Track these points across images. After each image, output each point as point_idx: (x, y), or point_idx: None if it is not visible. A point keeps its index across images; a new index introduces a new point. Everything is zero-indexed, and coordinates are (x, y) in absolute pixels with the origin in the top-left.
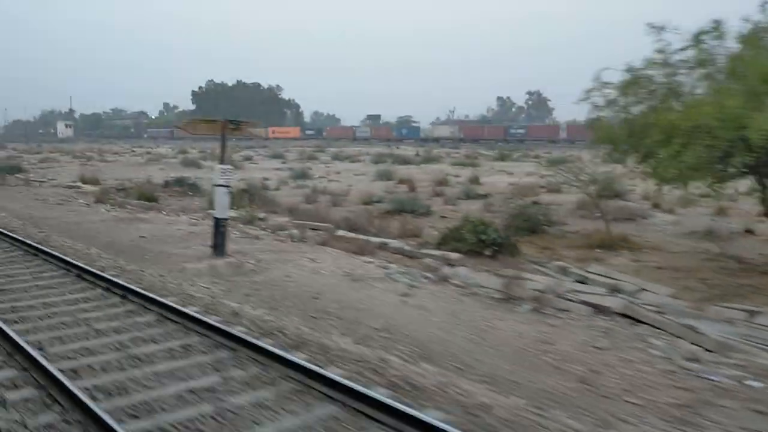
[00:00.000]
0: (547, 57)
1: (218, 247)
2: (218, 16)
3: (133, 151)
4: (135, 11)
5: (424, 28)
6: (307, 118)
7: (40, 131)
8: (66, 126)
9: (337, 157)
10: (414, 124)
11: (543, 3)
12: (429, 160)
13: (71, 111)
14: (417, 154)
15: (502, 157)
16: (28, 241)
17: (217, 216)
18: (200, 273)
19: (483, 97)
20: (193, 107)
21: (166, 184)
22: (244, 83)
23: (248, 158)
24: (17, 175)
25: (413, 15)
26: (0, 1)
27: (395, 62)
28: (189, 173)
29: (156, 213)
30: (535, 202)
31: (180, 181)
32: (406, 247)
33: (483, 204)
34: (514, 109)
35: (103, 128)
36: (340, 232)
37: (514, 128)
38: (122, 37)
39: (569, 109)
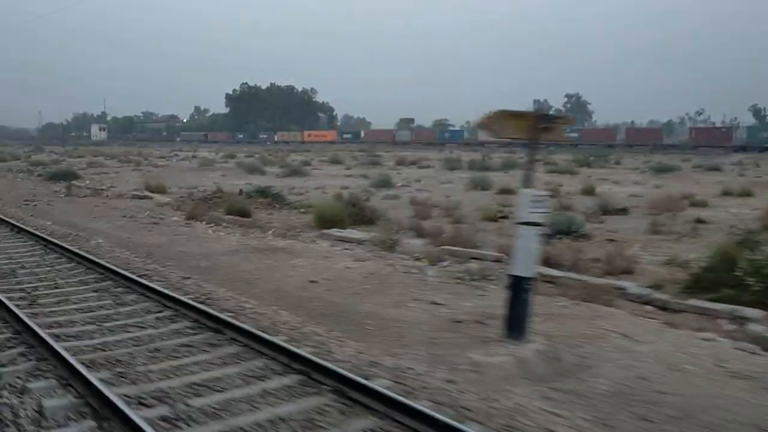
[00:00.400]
0: (581, 59)
1: (517, 323)
2: (253, 15)
3: (176, 154)
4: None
5: (451, 30)
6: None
7: (73, 134)
8: (100, 129)
9: (401, 163)
10: (450, 128)
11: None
12: (510, 166)
13: (104, 114)
14: (486, 159)
15: (587, 164)
16: (187, 300)
17: (519, 273)
18: (510, 377)
19: (519, 100)
20: (226, 110)
21: (248, 195)
22: (278, 86)
23: (306, 163)
24: (74, 182)
25: (439, 15)
26: (32, 6)
27: (424, 65)
28: (258, 180)
29: (292, 240)
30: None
31: (263, 191)
32: (657, 295)
33: (649, 223)
34: (551, 112)
35: (134, 131)
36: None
37: (567, 132)
38: (152, 40)
39: (609, 112)
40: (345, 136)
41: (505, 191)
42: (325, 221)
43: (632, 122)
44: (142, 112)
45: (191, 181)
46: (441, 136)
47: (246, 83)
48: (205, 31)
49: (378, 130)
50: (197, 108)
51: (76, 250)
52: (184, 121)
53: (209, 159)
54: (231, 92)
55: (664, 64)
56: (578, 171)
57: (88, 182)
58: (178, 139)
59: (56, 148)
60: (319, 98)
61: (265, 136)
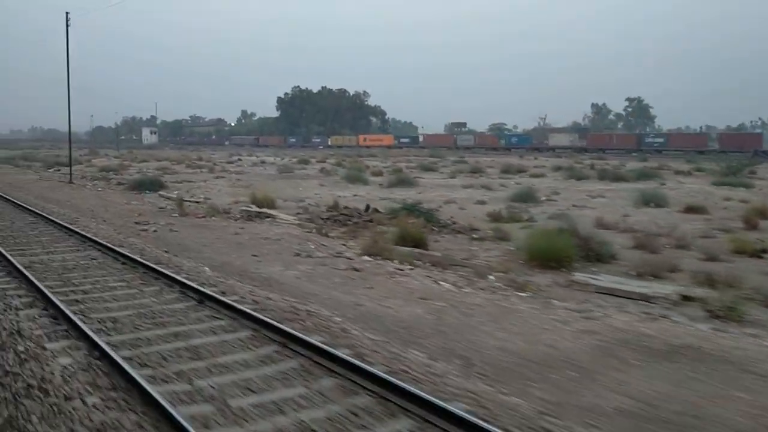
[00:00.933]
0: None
1: None
2: (309, 13)
3: (239, 158)
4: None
5: (503, 34)
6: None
7: (123, 137)
8: (151, 132)
9: (507, 171)
10: (507, 132)
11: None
12: (646, 175)
13: (153, 118)
14: (593, 167)
15: (735, 173)
16: None
17: None
18: None
19: (576, 105)
20: (276, 114)
21: (392, 214)
22: (330, 89)
23: (398, 170)
24: (162, 193)
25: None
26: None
27: (472, 70)
28: (361, 191)
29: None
30: None
31: (411, 209)
32: None
33: None
34: (611, 116)
35: (182, 134)
36: None
37: (650, 137)
38: (199, 43)
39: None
40: (402, 140)
41: (693, 209)
42: (542, 258)
43: (702, 127)
44: (190, 116)
45: (289, 192)
46: (508, 140)
47: (298, 86)
48: (257, 34)
49: (437, 134)
50: (244, 112)
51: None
52: (231, 124)
53: (287, 165)
54: (283, 96)
55: (719, 67)
56: (752, 183)
57: (176, 192)
58: (226, 143)
59: (109, 151)
60: (371, 102)
61: (318, 139)
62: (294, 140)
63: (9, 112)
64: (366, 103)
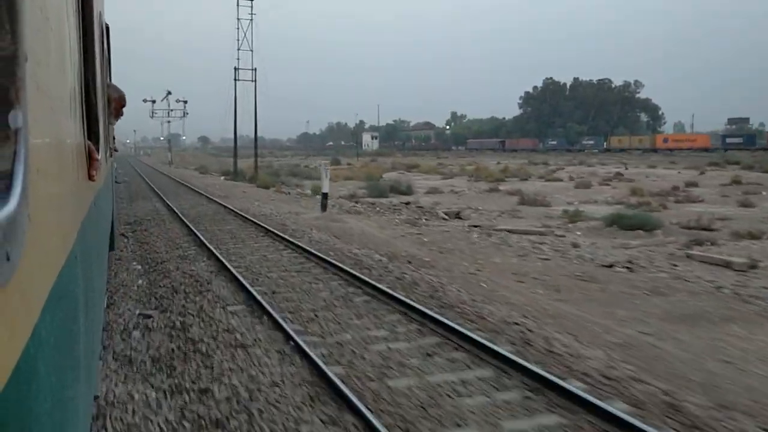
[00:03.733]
0: None
1: None
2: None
3: (623, 168)
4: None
5: None
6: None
7: (330, 143)
8: (372, 138)
9: None
10: None
11: None
12: None
13: (361, 123)
14: None
15: None
16: None
17: None
18: None
19: None
20: (518, 112)
21: None
22: (591, 81)
23: None
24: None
25: None
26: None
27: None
28: None
29: None
30: None
31: None
32: None
33: None
34: None
35: (397, 140)
36: None
37: None
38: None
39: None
40: (729, 141)
41: None
42: None
43: None
44: (393, 120)
45: None
46: None
47: (551, 78)
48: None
49: None
50: (454, 113)
51: None
52: (439, 126)
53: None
54: (531, 90)
55: None
56: None
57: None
58: (460, 147)
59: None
60: (642, 94)
61: (590, 141)
62: (554, 142)
63: (206, 119)
64: (636, 96)
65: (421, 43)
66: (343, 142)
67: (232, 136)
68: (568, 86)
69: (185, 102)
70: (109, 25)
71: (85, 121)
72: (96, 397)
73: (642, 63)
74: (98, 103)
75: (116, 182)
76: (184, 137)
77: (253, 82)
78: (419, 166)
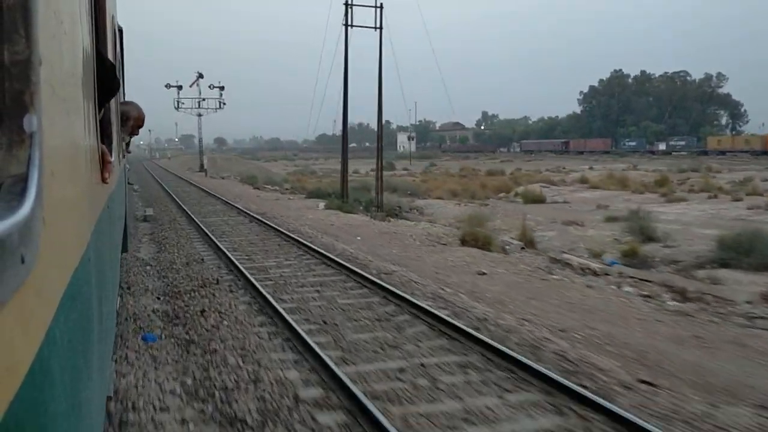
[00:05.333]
0: None
1: None
2: None
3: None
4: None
5: None
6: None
7: (353, 144)
8: (409, 138)
9: None
10: None
11: None
12: None
13: (387, 123)
14: None
15: None
16: None
17: None
18: None
19: None
20: (578, 110)
21: None
22: (666, 74)
23: None
24: None
25: None
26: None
27: None
28: None
29: None
30: None
31: None
32: None
33: None
34: None
35: (428, 140)
36: None
37: None
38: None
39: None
40: None
41: None
42: None
43: None
44: (419, 121)
45: None
46: None
47: (620, 70)
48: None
49: None
50: (484, 113)
51: None
52: (468, 126)
53: None
54: (597, 84)
55: None
56: None
57: None
58: (507, 150)
59: (397, 162)
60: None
61: (682, 141)
62: (633, 143)
63: (230, 121)
64: (718, 91)
65: (441, 42)
66: (367, 144)
67: (244, 137)
68: (630, 80)
69: (221, 88)
70: (123, 29)
71: (99, 124)
72: (109, 398)
73: (712, 54)
74: (111, 106)
75: (128, 184)
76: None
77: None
78: (541, 173)
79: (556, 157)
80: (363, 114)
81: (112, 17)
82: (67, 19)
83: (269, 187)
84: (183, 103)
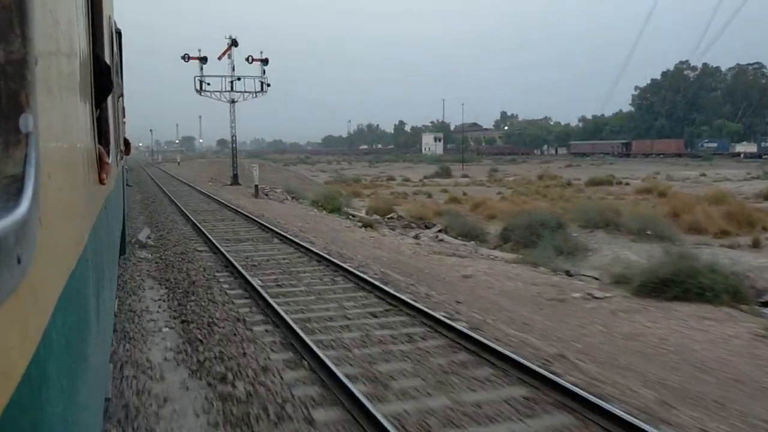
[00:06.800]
0: None
1: None
2: None
3: None
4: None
5: None
6: None
7: (363, 146)
8: (436, 140)
9: None
10: None
11: None
12: None
13: (401, 123)
14: None
15: None
16: None
17: None
18: None
19: None
20: (630, 108)
21: None
22: (740, 65)
23: None
24: None
25: None
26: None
27: None
28: None
29: None
30: None
31: None
32: None
33: None
34: None
35: (450, 142)
36: None
37: None
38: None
39: None
40: None
41: None
42: None
43: None
44: (431, 122)
45: None
46: None
47: (686, 62)
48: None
49: None
50: (503, 113)
51: None
52: (487, 127)
53: None
54: (659, 77)
55: None
56: None
57: None
58: (540, 152)
59: (454, 166)
60: None
61: None
62: (714, 144)
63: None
64: None
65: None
66: (380, 145)
67: (245, 139)
68: (709, 74)
69: (264, 62)
70: (122, 31)
71: (96, 125)
72: (107, 400)
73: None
74: (108, 106)
75: (127, 185)
76: (201, 140)
77: None
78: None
79: (622, 161)
80: (362, 113)
81: (109, 17)
82: (64, 20)
83: (359, 213)
84: (209, 84)
